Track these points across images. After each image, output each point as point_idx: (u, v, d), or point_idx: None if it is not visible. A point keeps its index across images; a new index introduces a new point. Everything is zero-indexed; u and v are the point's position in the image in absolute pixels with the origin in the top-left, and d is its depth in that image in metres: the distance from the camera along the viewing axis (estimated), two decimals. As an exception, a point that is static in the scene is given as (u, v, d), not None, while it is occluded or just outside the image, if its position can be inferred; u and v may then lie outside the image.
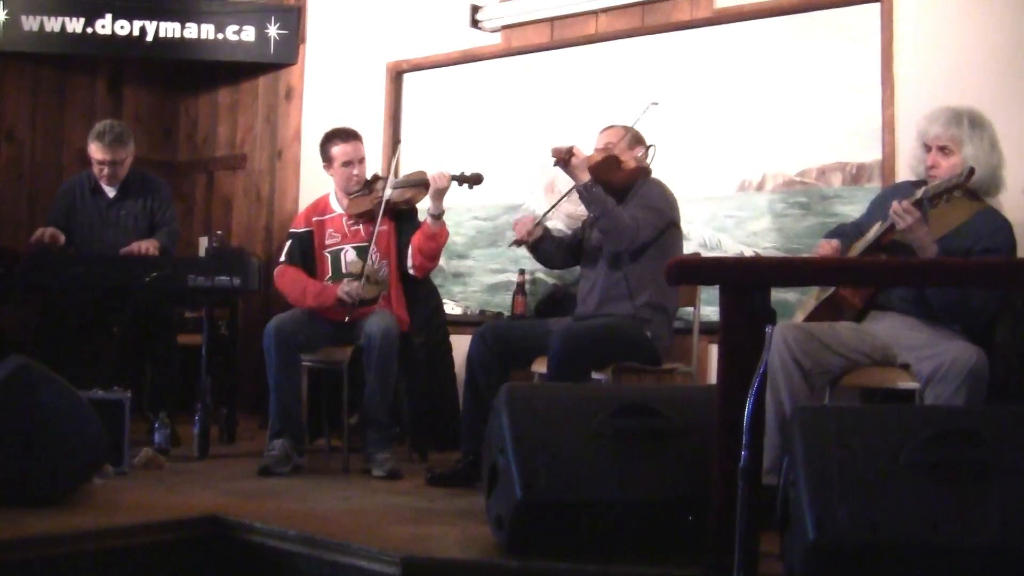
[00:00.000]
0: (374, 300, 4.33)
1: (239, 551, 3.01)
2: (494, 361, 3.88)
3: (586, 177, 3.88)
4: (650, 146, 4.15)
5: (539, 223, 4.19)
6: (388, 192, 4.37)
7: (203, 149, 6.64)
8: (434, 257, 4.43)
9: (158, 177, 5.33)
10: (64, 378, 3.30)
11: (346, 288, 4.23)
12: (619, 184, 4.03)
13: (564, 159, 3.90)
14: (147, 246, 4.79)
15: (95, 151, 4.93)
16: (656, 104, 4.14)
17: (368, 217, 4.41)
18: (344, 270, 4.41)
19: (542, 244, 4.21)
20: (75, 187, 5.08)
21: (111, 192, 5.02)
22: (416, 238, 4.36)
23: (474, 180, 4.33)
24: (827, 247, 3.49)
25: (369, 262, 4.35)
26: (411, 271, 4.43)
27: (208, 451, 4.52)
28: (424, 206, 4.41)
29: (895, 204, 3.19)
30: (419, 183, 4.43)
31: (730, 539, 2.22)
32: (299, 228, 4.54)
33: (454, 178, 4.31)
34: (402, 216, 4.49)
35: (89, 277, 4.54)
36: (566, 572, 2.53)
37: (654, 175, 4.12)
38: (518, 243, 4.24)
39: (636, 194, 4.01)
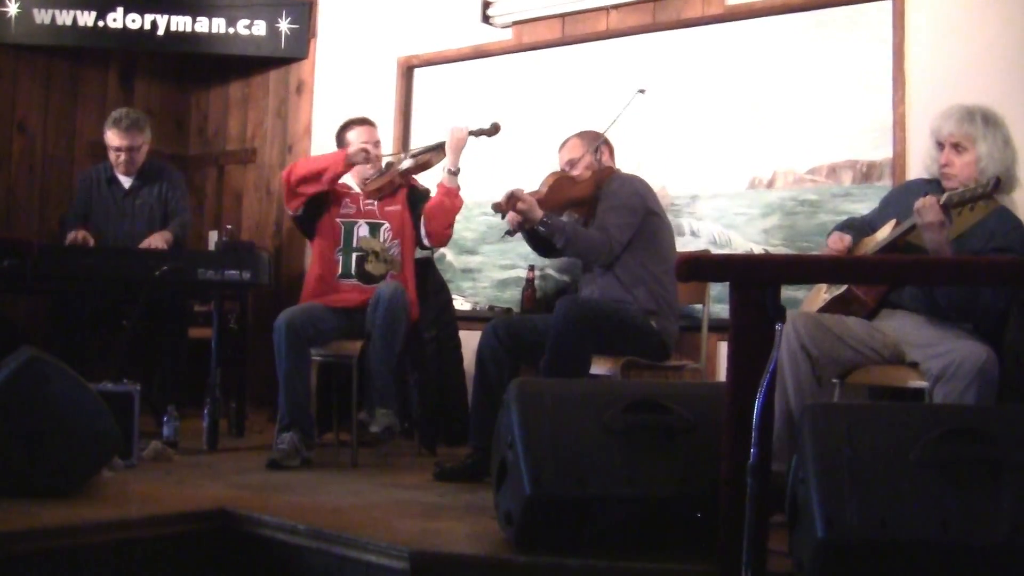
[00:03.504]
0: (382, 277, 4.34)
1: (247, 544, 3.02)
2: (505, 355, 3.88)
3: (539, 214, 3.88)
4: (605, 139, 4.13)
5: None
6: (406, 163, 4.41)
7: (214, 143, 6.65)
8: (449, 224, 4.43)
9: (171, 166, 5.36)
10: (74, 370, 3.30)
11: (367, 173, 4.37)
12: (583, 195, 4.02)
13: (507, 209, 3.89)
14: (158, 242, 4.80)
15: (112, 137, 4.96)
16: (643, 92, 4.10)
17: (384, 193, 4.45)
18: (355, 244, 4.42)
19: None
20: (91, 177, 5.14)
21: (127, 182, 5.06)
22: (429, 205, 4.38)
23: (492, 131, 4.35)
24: (837, 240, 3.48)
25: (381, 239, 4.37)
26: (425, 240, 4.44)
27: (217, 444, 4.53)
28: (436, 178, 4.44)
29: (922, 199, 3.14)
30: (435, 146, 4.46)
31: (739, 536, 2.22)
32: None
33: (471, 132, 4.32)
34: (417, 199, 4.50)
35: (100, 270, 4.55)
36: (574, 568, 2.53)
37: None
38: (511, 233, 4.16)
39: (603, 197, 4.00)
